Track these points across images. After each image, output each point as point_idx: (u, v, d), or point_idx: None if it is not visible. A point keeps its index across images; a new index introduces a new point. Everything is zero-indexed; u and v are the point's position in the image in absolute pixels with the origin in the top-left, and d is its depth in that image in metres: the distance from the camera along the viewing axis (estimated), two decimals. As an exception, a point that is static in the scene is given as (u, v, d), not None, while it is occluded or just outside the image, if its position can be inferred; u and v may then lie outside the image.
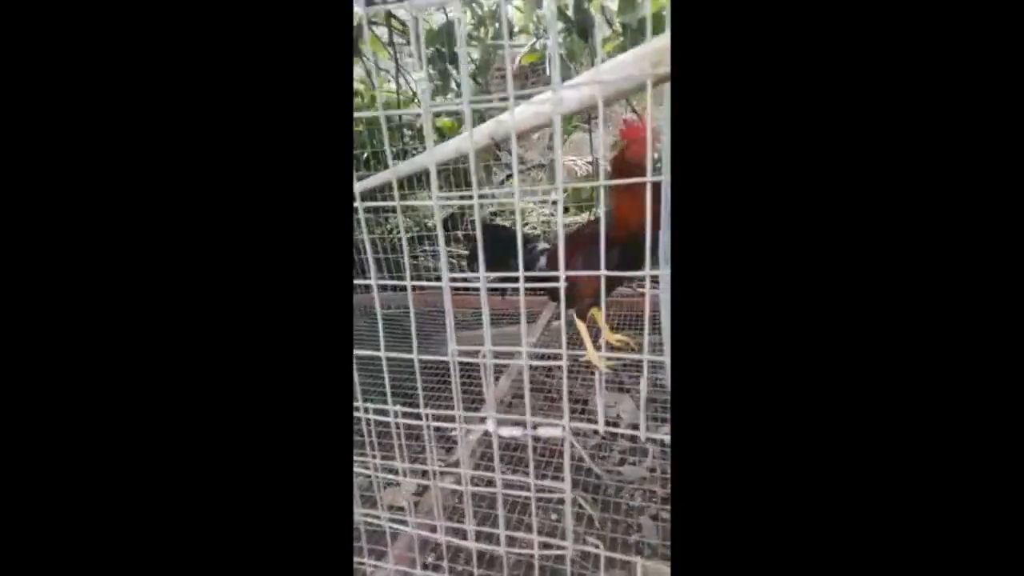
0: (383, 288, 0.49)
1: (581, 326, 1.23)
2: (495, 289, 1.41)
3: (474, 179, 0.48)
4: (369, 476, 0.54)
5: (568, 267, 0.40)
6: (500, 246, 1.02)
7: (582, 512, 0.89)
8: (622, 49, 1.61)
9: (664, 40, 0.40)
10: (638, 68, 0.41)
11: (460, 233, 2.04)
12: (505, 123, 0.77)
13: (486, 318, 0.46)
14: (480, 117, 0.42)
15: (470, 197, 0.43)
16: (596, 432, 1.09)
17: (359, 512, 0.55)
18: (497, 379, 1.21)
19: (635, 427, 1.15)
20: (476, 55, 1.97)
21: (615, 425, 1.11)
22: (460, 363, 0.48)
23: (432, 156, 0.46)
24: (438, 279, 0.45)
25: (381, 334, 0.49)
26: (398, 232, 2.09)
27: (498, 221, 2.12)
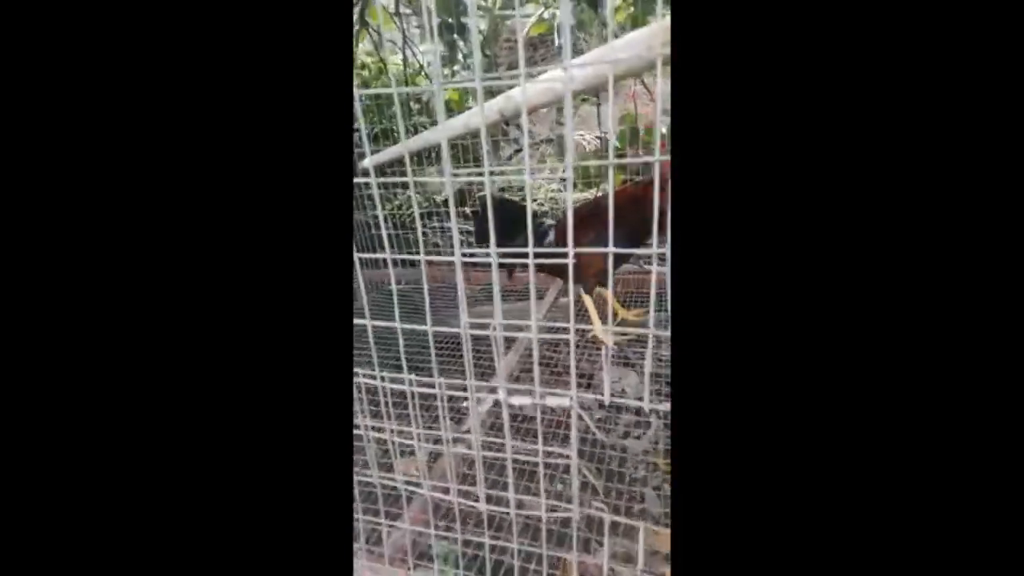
0: (394, 263, 0.50)
1: (588, 301, 1.24)
2: (502, 266, 1.42)
3: (485, 155, 0.48)
4: (386, 442, 0.57)
5: (576, 244, 0.41)
6: (507, 222, 1.03)
7: (586, 482, 0.92)
8: (632, 19, 1.57)
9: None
10: (648, 47, 0.42)
11: (468, 209, 2.03)
12: (514, 98, 0.77)
13: (496, 291, 0.47)
14: (489, 91, 0.42)
15: (480, 173, 0.44)
16: (601, 405, 1.12)
17: (377, 475, 0.58)
18: (505, 354, 1.24)
19: (639, 399, 1.17)
20: (483, 26, 1.94)
21: (620, 398, 1.14)
22: (470, 337, 0.50)
23: (444, 131, 0.46)
24: (443, 254, 0.46)
25: (396, 308, 0.51)
26: (407, 208, 2.10)
27: (506, 196, 2.11)
